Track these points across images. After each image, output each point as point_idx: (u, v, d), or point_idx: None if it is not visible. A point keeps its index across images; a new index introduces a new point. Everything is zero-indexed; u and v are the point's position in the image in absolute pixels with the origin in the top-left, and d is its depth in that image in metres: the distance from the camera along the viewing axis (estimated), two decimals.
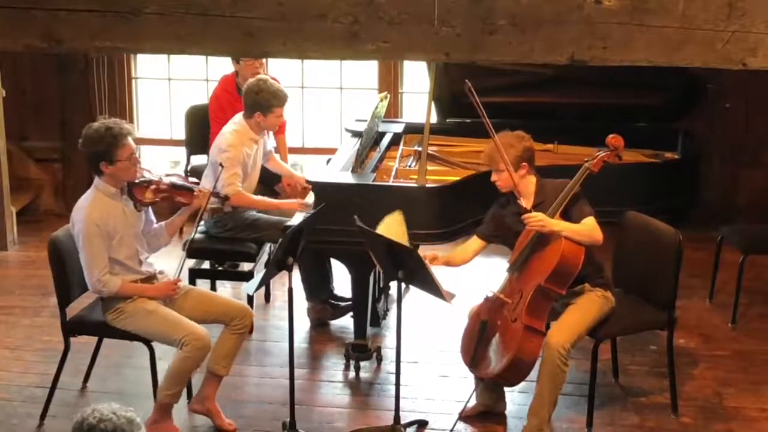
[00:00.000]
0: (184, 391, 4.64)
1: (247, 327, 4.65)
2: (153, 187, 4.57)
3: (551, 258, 4.34)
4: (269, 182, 5.95)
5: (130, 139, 4.41)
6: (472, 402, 4.66)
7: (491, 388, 4.68)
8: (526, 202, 4.51)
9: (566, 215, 4.42)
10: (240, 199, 5.41)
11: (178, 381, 4.48)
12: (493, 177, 4.56)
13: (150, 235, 4.70)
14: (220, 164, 5.09)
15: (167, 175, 4.74)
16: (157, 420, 4.48)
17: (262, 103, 5.47)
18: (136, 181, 4.52)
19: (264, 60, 6.27)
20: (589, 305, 4.49)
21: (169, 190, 4.62)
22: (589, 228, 4.37)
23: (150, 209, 4.69)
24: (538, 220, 4.34)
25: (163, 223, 4.78)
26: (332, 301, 5.77)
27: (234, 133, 5.50)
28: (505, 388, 4.74)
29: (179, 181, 4.80)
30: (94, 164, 4.43)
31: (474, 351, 4.53)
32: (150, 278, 4.61)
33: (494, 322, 4.50)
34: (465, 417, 4.69)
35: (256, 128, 5.54)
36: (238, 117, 5.61)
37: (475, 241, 4.74)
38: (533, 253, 4.44)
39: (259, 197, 5.63)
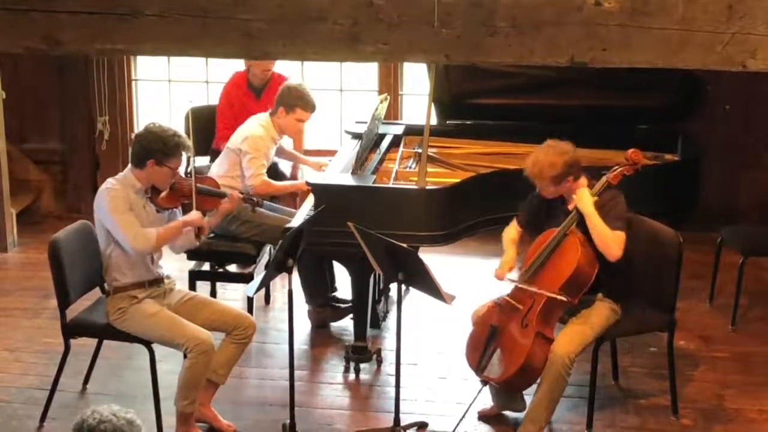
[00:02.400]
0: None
1: (249, 338, 4.64)
2: (175, 191, 4.61)
3: (566, 268, 4.35)
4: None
5: (185, 156, 4.57)
6: (477, 404, 4.65)
7: (504, 389, 4.67)
8: (572, 205, 4.49)
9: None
10: (266, 188, 5.58)
11: (192, 388, 4.47)
12: (538, 189, 4.54)
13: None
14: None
15: (197, 177, 4.77)
16: (182, 431, 4.51)
17: (288, 101, 5.65)
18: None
19: None
20: (598, 317, 4.49)
21: (191, 196, 4.64)
22: (611, 236, 4.34)
23: (177, 212, 4.72)
24: (582, 199, 4.38)
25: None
26: (333, 303, 5.78)
27: (260, 126, 5.66)
28: None
29: (204, 186, 4.84)
30: (142, 157, 4.48)
31: (482, 355, 4.52)
32: (158, 280, 4.61)
33: (504, 328, 4.49)
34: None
35: (278, 128, 5.70)
36: (264, 115, 5.76)
37: (513, 228, 4.76)
38: (548, 261, 4.43)
39: (282, 183, 5.86)
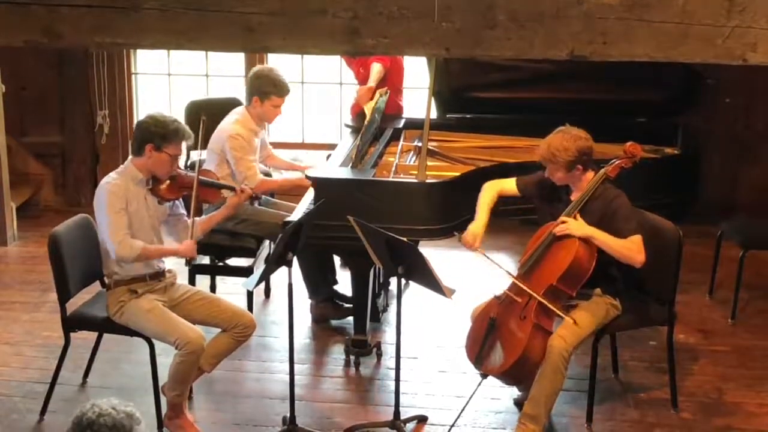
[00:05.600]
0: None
1: (248, 337, 4.64)
2: (176, 182, 4.59)
3: (564, 259, 4.34)
4: None
5: (184, 145, 4.57)
6: (476, 399, 4.64)
7: (505, 382, 4.66)
8: (576, 195, 4.49)
9: (612, 229, 4.37)
10: (265, 186, 5.52)
11: (180, 382, 4.49)
12: (547, 173, 4.52)
13: (177, 228, 4.75)
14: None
15: (201, 172, 4.74)
16: (171, 417, 4.55)
17: (261, 89, 5.48)
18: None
19: None
20: (597, 312, 4.48)
21: (192, 187, 4.61)
22: (627, 245, 4.31)
23: (179, 205, 4.72)
24: (572, 227, 4.34)
25: (199, 218, 4.83)
26: (336, 301, 5.77)
27: (237, 122, 5.50)
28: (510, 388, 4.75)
29: (207, 178, 4.83)
30: (142, 142, 4.48)
31: (480, 348, 4.52)
32: (159, 274, 4.61)
33: (503, 320, 4.49)
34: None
35: (256, 118, 5.55)
36: (240, 108, 5.63)
37: (509, 183, 4.72)
38: (546, 253, 4.43)
39: (280, 178, 5.80)
